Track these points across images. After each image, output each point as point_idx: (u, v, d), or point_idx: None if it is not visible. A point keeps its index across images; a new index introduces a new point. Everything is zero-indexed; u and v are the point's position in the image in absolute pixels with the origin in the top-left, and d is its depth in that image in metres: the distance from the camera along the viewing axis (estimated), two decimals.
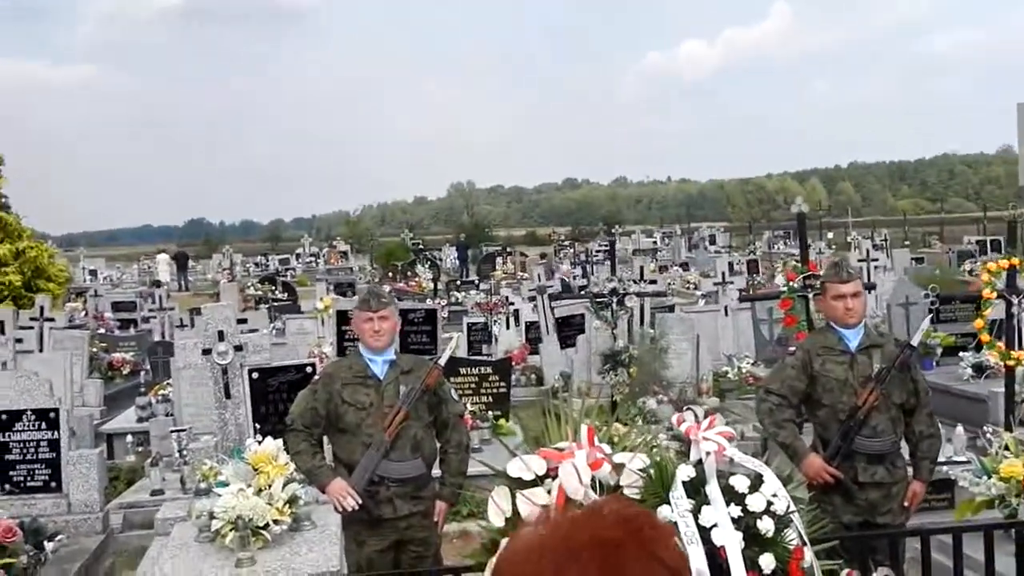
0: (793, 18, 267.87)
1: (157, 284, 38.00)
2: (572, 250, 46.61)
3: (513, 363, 15.94)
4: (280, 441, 6.16)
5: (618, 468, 4.86)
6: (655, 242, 56.03)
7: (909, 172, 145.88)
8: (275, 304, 26.14)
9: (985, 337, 9.11)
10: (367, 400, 6.09)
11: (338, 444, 6.23)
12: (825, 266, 6.51)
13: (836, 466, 6.32)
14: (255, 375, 9.07)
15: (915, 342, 6.41)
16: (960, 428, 9.33)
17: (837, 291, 6.31)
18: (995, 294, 8.64)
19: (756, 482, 4.76)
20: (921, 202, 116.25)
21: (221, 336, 8.94)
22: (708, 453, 4.83)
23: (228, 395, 8.93)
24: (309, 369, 9.28)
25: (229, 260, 47.07)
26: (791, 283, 8.80)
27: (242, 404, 8.98)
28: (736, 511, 4.61)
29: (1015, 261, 8.58)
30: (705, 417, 5.30)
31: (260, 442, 8.09)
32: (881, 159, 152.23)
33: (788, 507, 4.71)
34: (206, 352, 9.00)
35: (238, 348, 8.98)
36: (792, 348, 8.01)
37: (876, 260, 22.42)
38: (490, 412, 11.54)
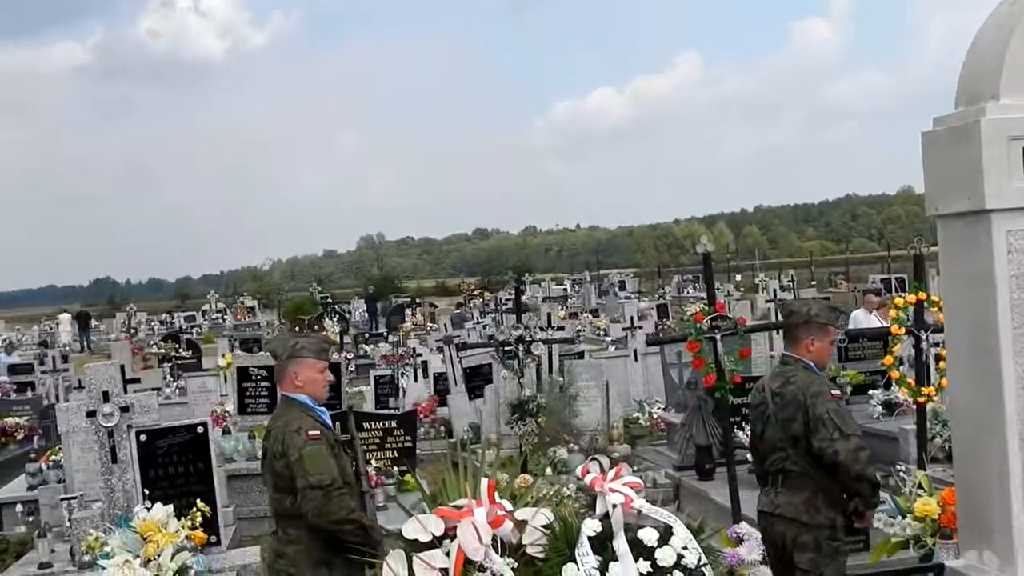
0: (701, 66, 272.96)
1: (45, 344, 37.15)
2: (482, 300, 46.41)
3: (421, 416, 15.64)
4: (170, 507, 5.81)
5: (520, 525, 4.60)
6: (565, 289, 56.11)
7: (814, 214, 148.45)
8: (178, 362, 25.63)
9: (895, 374, 9.03)
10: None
11: None
12: (825, 311, 6.30)
13: None
14: (143, 437, 8.65)
15: None
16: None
17: (834, 336, 6.24)
18: (903, 330, 8.56)
19: (666, 534, 4.54)
20: (826, 243, 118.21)
21: (106, 397, 8.53)
22: (615, 505, 4.60)
23: (115, 459, 8.52)
24: (201, 430, 8.88)
25: (128, 319, 46.06)
26: (698, 324, 8.62)
27: (129, 468, 8.56)
28: (645, 566, 4.38)
29: (922, 296, 8.51)
30: (612, 467, 5.07)
31: (149, 509, 7.71)
32: (786, 202, 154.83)
33: (700, 560, 4.49)
34: (91, 414, 8.57)
35: (124, 409, 8.57)
36: (699, 393, 7.86)
37: (783, 300, 22.58)
38: (395, 468, 11.21)
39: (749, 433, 7.40)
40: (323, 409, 5.92)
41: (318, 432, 5.68)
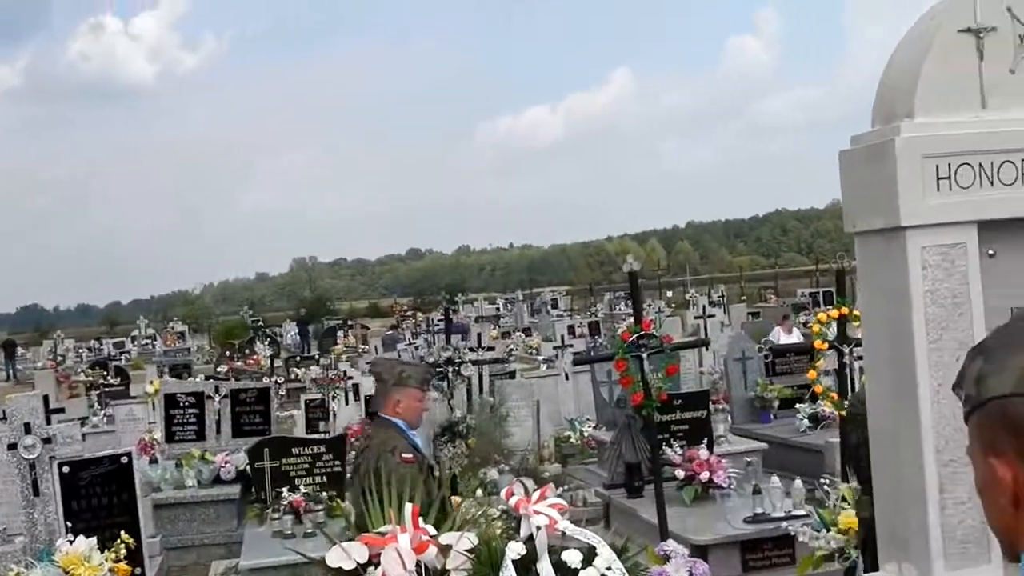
0: (634, 83, 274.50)
1: None
2: (414, 320, 46.26)
3: (352, 440, 15.50)
4: (93, 540, 5.69)
5: (445, 550, 4.57)
6: (498, 308, 56.13)
7: (744, 229, 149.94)
8: (106, 390, 25.23)
9: (819, 388, 9.12)
10: None
11: None
12: None
13: None
14: (65, 469, 8.46)
15: None
16: (798, 481, 9.30)
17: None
18: (827, 345, 8.64)
19: (589, 555, 4.53)
20: (757, 258, 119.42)
21: (28, 429, 8.34)
22: (539, 528, 4.58)
23: (37, 492, 8.31)
24: (125, 460, 8.72)
25: (54, 346, 45.28)
26: (625, 343, 8.64)
27: (52, 501, 8.36)
28: None
29: (845, 311, 8.60)
30: (538, 487, 5.05)
31: (72, 541, 7.56)
32: (718, 218, 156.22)
33: None
34: (12, 447, 8.38)
35: (47, 441, 8.38)
36: (628, 411, 7.85)
37: (713, 316, 22.72)
38: (324, 493, 11.08)
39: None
40: (415, 433, 6.22)
41: (412, 456, 5.93)
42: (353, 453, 6.15)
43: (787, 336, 16.09)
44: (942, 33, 3.97)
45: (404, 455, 5.81)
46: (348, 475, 6.75)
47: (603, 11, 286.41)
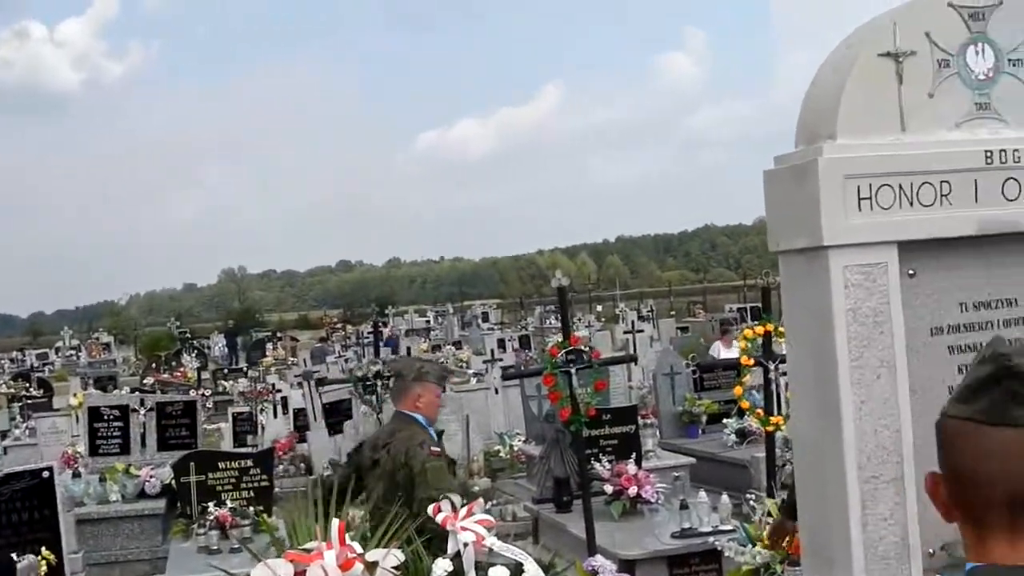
0: (565, 97, 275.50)
1: None
2: (344, 333, 46.01)
3: (280, 453, 15.40)
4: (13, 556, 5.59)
5: (371, 567, 4.54)
6: (428, 321, 55.99)
7: (674, 244, 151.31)
8: (28, 402, 24.82)
9: (744, 404, 9.22)
10: None
11: None
12: None
13: None
14: None
15: None
16: (725, 496, 9.38)
17: None
18: (753, 361, 8.74)
19: (516, 571, 4.55)
20: (686, 273, 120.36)
21: None
22: (466, 544, 4.59)
23: None
24: (46, 474, 8.56)
25: None
26: (553, 358, 8.67)
27: None
28: None
29: (770, 327, 8.70)
30: (467, 502, 5.05)
31: None
32: (648, 232, 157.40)
33: None
34: None
35: None
36: (557, 426, 7.86)
37: (642, 331, 22.87)
38: (251, 508, 10.98)
39: None
40: (433, 430, 6.46)
41: (439, 449, 6.22)
42: (360, 449, 6.55)
43: (727, 350, 16.23)
44: (863, 57, 4.04)
45: (433, 448, 6.04)
46: (335, 469, 6.77)
47: (534, 26, 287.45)
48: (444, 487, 5.75)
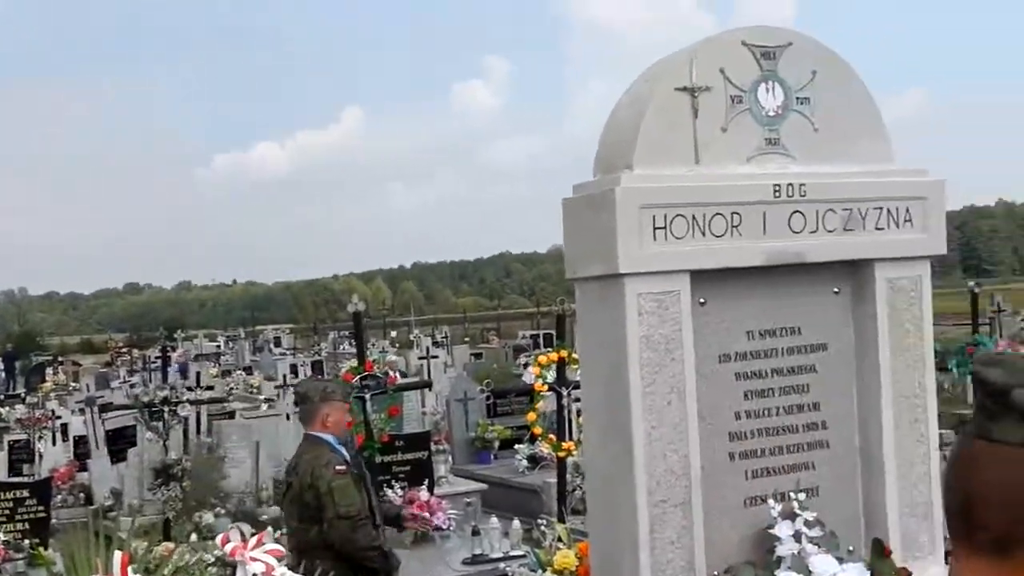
0: (364, 123, 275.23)
1: None
2: (130, 357, 44.52)
3: (59, 482, 14.75)
4: None
5: None
6: (219, 346, 54.70)
7: (469, 271, 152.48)
8: None
9: (537, 429, 9.30)
10: None
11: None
12: None
13: None
14: None
15: None
16: (516, 521, 9.42)
17: None
18: (546, 387, 8.83)
19: None
20: (481, 299, 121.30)
21: None
22: (255, 575, 4.47)
23: None
24: None
25: None
26: (348, 384, 8.57)
27: None
28: None
29: (564, 354, 8.81)
30: (256, 531, 4.92)
31: None
32: (443, 259, 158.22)
33: None
34: None
35: None
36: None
37: (436, 356, 22.83)
38: (26, 541, 10.47)
39: None
40: (342, 448, 6.59)
41: (345, 467, 6.31)
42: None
43: None
44: (660, 90, 4.13)
45: (337, 467, 6.18)
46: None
47: (333, 49, 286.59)
48: (350, 504, 6.08)
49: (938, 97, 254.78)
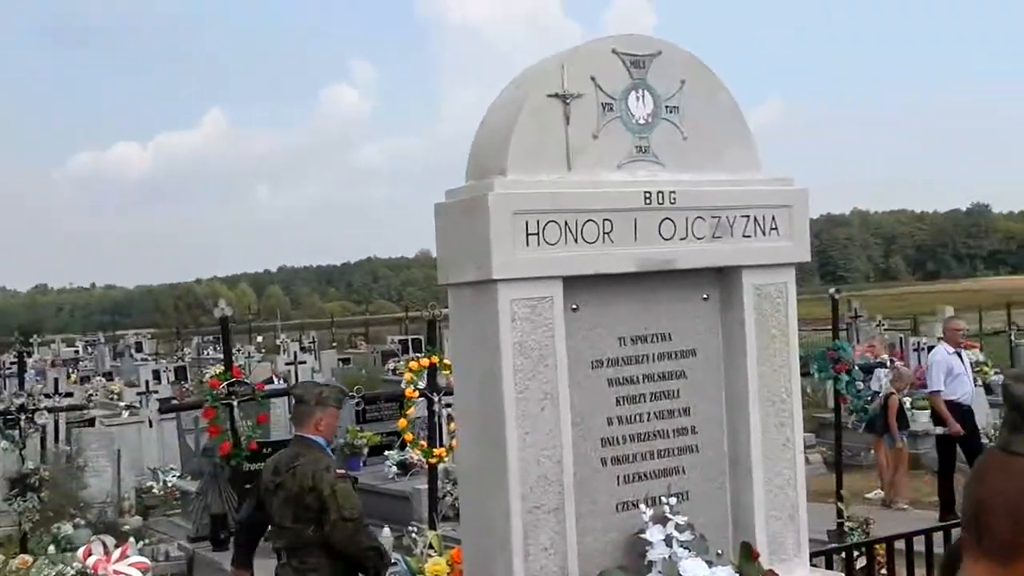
0: (227, 126, 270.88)
1: None
2: None
3: None
4: None
5: None
6: (77, 351, 53.24)
7: (336, 276, 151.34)
8: None
9: (408, 436, 9.24)
10: None
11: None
12: None
13: None
14: None
15: None
16: (387, 529, 9.35)
17: None
18: (417, 393, 8.78)
19: None
20: (348, 304, 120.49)
21: None
22: None
23: None
24: None
25: None
26: (214, 391, 8.41)
27: None
28: None
29: (435, 359, 8.77)
30: (118, 542, 4.79)
31: None
32: (310, 263, 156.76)
33: None
34: None
35: None
36: (215, 460, 7.59)
37: (304, 362, 22.59)
38: None
39: None
40: (330, 451, 6.76)
41: (343, 471, 6.57)
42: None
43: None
44: (532, 97, 4.14)
45: (338, 471, 6.39)
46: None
47: (195, 50, 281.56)
48: (353, 507, 6.19)
49: (793, 106, 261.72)
